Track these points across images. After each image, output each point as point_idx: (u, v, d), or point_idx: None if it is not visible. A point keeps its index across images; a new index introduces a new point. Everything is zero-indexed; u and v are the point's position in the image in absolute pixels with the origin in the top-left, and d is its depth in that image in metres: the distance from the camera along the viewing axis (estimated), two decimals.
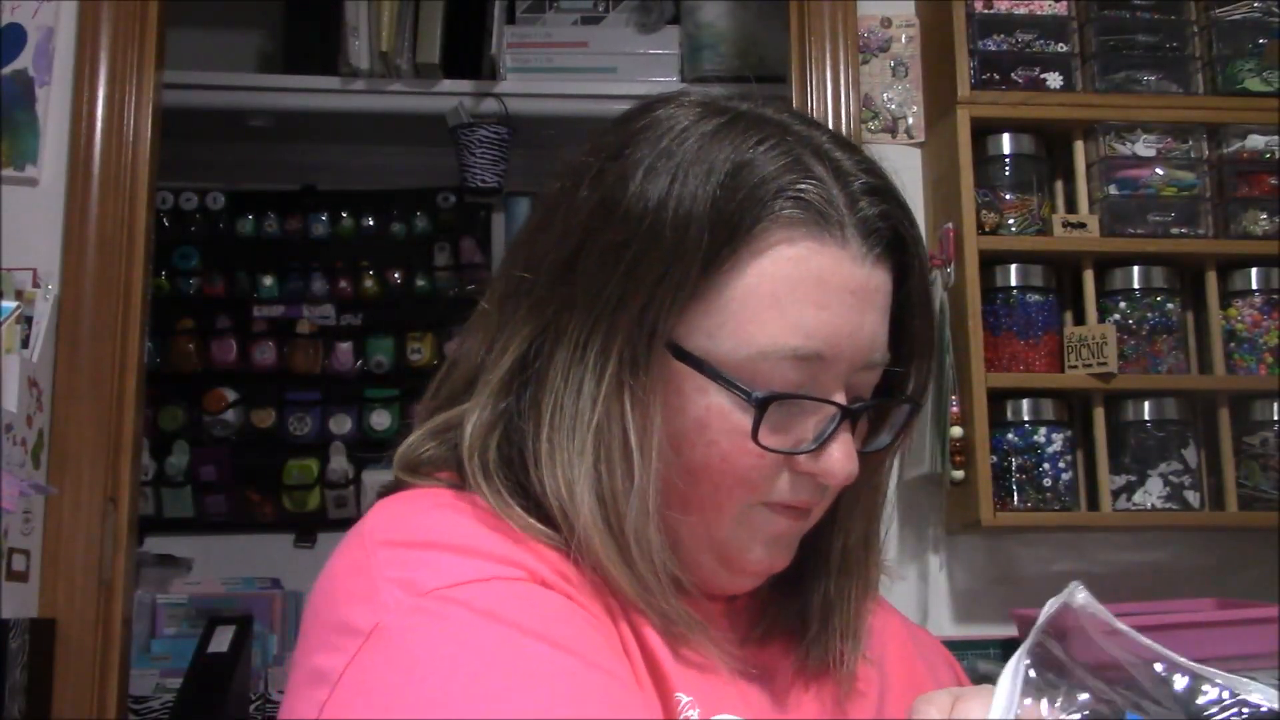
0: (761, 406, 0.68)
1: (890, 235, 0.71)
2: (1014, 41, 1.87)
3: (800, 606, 0.78)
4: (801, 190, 0.68)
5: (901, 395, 0.76)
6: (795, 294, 0.68)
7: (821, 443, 0.70)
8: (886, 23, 2.00)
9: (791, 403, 0.69)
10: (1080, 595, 0.61)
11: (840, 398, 0.70)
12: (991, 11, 1.86)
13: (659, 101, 0.74)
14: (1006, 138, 1.84)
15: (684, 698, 0.68)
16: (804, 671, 0.77)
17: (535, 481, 0.69)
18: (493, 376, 0.72)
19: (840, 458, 0.70)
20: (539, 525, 0.69)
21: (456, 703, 0.57)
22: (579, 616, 0.65)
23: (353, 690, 0.60)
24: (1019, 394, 1.78)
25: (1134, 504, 1.75)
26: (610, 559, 0.67)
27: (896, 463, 0.80)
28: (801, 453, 0.70)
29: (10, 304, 1.63)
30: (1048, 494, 1.75)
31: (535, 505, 0.69)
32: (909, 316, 0.75)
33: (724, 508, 0.71)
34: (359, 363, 3.24)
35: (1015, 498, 1.76)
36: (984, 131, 1.83)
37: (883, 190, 0.72)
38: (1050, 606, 0.61)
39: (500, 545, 0.66)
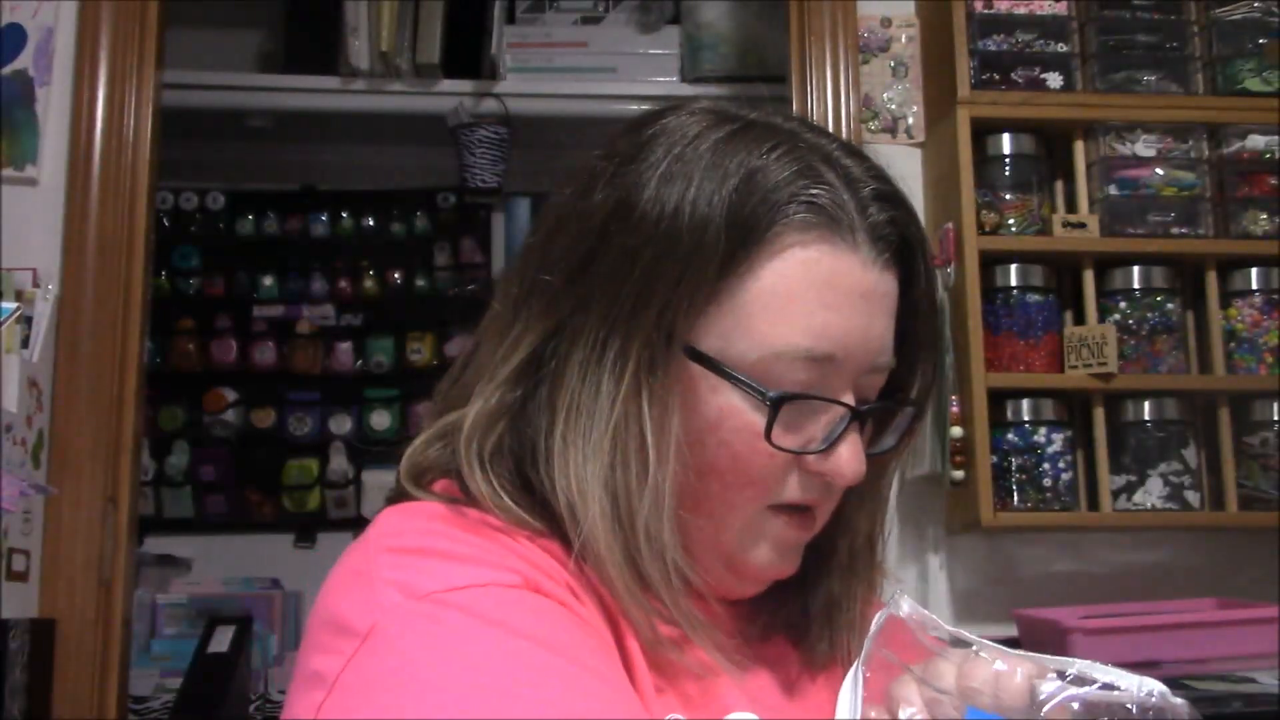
0: (775, 406, 0.68)
1: (898, 240, 0.73)
2: (1014, 41, 1.87)
3: (802, 605, 0.79)
4: (814, 195, 0.70)
5: (905, 398, 0.77)
6: (808, 296, 0.69)
7: (831, 443, 0.71)
8: (886, 23, 2.00)
9: (803, 403, 0.70)
10: (905, 604, 0.64)
11: (849, 399, 0.72)
12: (991, 11, 1.86)
13: (670, 109, 0.75)
14: (1006, 138, 1.84)
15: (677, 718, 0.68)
16: (810, 664, 0.78)
17: (544, 478, 0.70)
18: (501, 372, 0.73)
19: (849, 458, 0.71)
20: (528, 518, 0.69)
21: (451, 704, 0.57)
22: (572, 622, 0.65)
23: (349, 692, 0.60)
24: (1019, 394, 1.78)
25: (1134, 504, 1.75)
26: (614, 558, 0.67)
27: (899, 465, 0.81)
28: (812, 453, 0.71)
29: (10, 304, 1.63)
30: (1048, 494, 1.75)
31: (540, 503, 0.70)
32: (914, 321, 0.76)
33: (733, 509, 0.71)
34: (359, 363, 3.24)
35: (1015, 498, 1.76)
36: (984, 131, 1.83)
37: (892, 196, 0.73)
38: (879, 617, 0.64)
39: (495, 553, 0.66)
